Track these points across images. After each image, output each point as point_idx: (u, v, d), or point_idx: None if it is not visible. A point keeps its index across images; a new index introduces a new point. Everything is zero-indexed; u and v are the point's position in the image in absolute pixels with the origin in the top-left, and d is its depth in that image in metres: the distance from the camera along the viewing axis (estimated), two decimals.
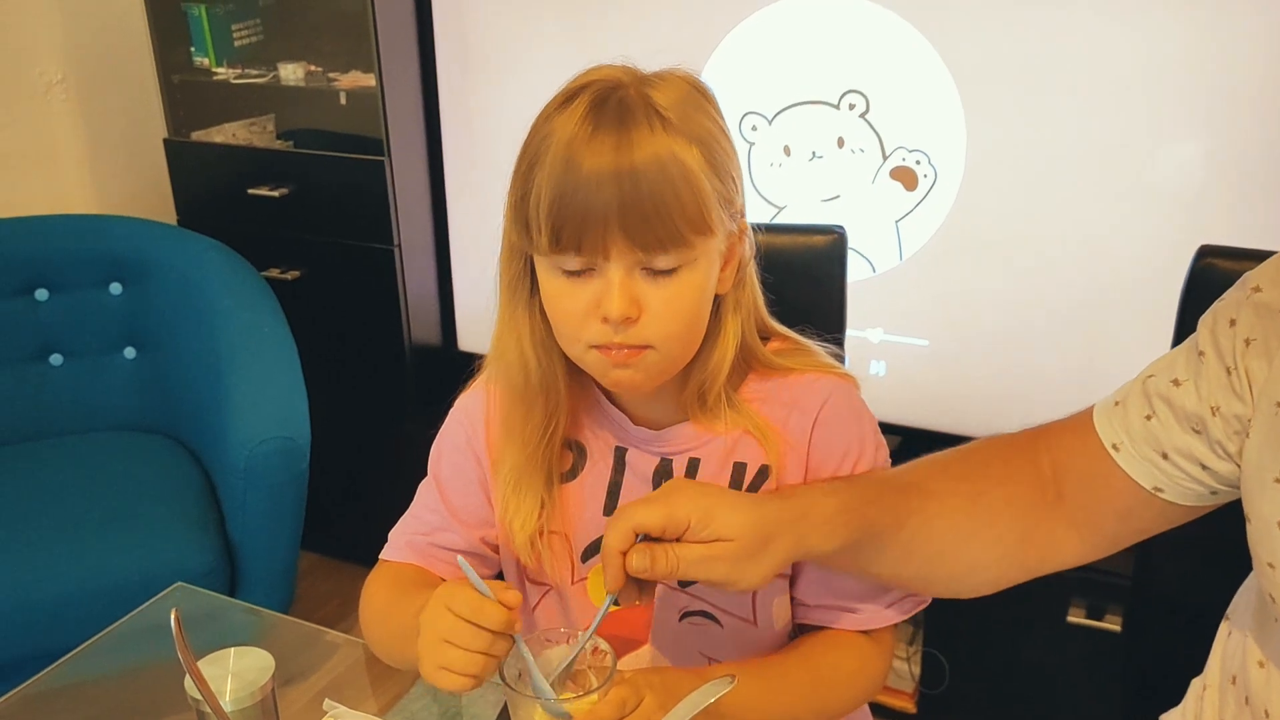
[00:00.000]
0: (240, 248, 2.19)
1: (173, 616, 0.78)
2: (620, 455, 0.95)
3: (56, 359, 2.15)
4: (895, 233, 1.89)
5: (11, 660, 1.60)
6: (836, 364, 0.96)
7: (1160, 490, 0.88)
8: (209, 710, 0.87)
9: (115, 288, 2.16)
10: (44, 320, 2.13)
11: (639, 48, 2.06)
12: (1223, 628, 0.98)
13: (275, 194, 2.31)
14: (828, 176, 1.91)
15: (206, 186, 2.42)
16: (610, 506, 0.94)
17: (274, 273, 2.35)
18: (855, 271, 1.91)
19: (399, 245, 2.26)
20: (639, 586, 0.81)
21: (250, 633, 1.10)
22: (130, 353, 2.18)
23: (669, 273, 0.82)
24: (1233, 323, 0.84)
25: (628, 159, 0.78)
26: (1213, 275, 1.11)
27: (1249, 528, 0.84)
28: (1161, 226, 1.69)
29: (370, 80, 2.20)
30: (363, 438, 2.43)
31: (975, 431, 1.87)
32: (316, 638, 1.02)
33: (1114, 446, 0.89)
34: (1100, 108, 1.68)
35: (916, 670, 1.98)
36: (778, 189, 1.96)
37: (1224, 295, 0.88)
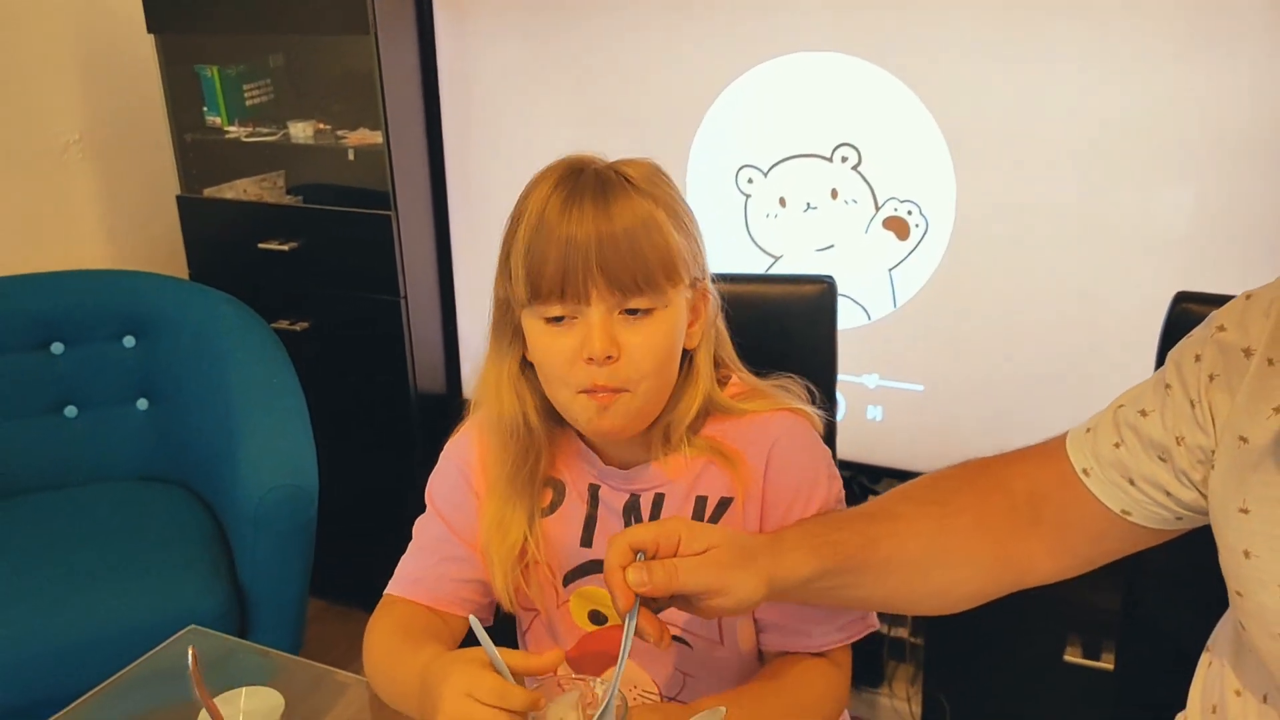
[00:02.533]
0: (251, 300, 2.24)
1: (189, 654, 0.82)
2: (594, 492, 1.02)
3: (71, 411, 2.20)
4: (889, 281, 1.94)
5: (28, 704, 1.63)
6: (792, 401, 1.02)
7: (1128, 513, 0.92)
8: None
9: (129, 341, 2.21)
10: (60, 373, 2.18)
11: (637, 106, 2.14)
12: (1203, 659, 1.01)
13: (285, 248, 2.37)
14: (822, 226, 1.96)
15: (218, 241, 2.49)
16: (586, 538, 1.01)
17: (283, 324, 2.40)
18: (851, 319, 1.96)
19: (405, 296, 2.32)
20: (655, 629, 0.84)
21: (261, 674, 1.13)
22: (143, 404, 2.23)
23: (646, 313, 0.90)
24: (1198, 359, 0.89)
25: (604, 212, 0.88)
26: (1189, 320, 1.15)
27: (1220, 556, 0.88)
28: (1146, 273, 1.73)
29: (377, 137, 2.27)
30: (370, 484, 2.47)
31: None
32: (326, 678, 1.06)
33: (1084, 471, 0.94)
34: (1086, 159, 1.73)
35: (918, 710, 2.00)
36: (773, 239, 2.01)
37: (1191, 333, 0.93)
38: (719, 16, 1.94)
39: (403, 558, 1.05)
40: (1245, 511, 0.84)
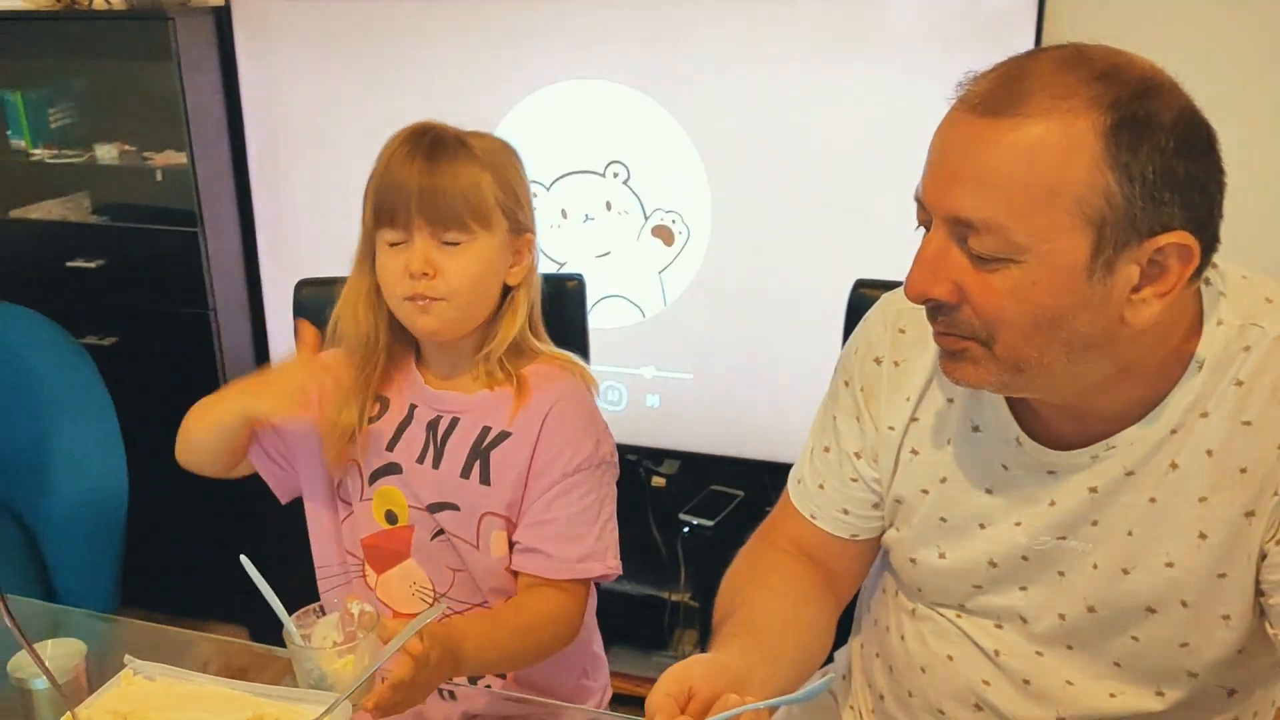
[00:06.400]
0: (56, 318, 2.29)
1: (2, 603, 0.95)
2: (411, 409, 1.26)
3: None
4: (659, 282, 2.17)
5: None
6: (585, 368, 1.28)
7: (856, 535, 1.10)
8: (31, 688, 1.04)
9: None
10: None
11: None
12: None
13: (92, 265, 2.44)
14: (599, 235, 2.18)
15: (26, 261, 2.53)
16: (392, 444, 1.25)
17: (91, 339, 2.46)
18: (627, 317, 2.19)
19: (214, 309, 2.42)
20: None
21: (69, 631, 1.25)
22: None
23: (458, 244, 1.16)
24: (847, 384, 1.10)
25: (430, 165, 1.16)
26: (866, 303, 1.39)
27: (885, 506, 1.09)
28: (873, 268, 2.01)
29: (183, 158, 2.37)
30: (182, 497, 2.54)
31: (740, 451, 2.16)
32: (129, 625, 1.21)
33: (812, 516, 1.11)
34: (821, 171, 2.01)
35: None
36: (558, 247, 2.22)
37: (840, 360, 1.13)
38: (502, 48, 2.14)
39: None
40: (895, 470, 1.06)
